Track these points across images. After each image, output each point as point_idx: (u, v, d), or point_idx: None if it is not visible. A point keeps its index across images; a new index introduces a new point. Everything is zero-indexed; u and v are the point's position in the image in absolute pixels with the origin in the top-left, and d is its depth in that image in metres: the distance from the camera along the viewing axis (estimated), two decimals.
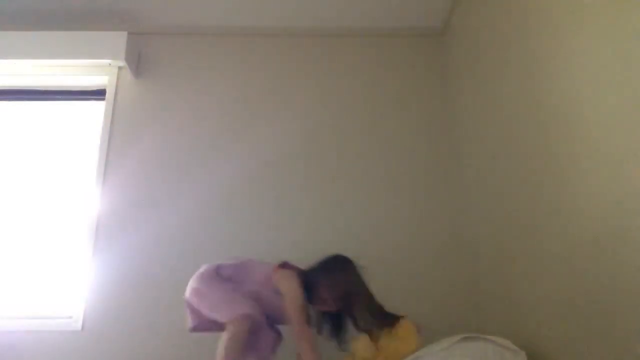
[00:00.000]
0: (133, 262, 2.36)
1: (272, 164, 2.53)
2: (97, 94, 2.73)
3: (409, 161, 2.60)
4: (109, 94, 2.67)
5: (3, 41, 2.52)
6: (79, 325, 2.25)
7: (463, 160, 2.54)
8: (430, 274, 2.39)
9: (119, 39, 2.55)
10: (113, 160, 2.54)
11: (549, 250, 1.62)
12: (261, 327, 1.81)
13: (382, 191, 2.54)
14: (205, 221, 2.40)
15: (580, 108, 1.43)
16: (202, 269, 1.87)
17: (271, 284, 1.84)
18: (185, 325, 2.26)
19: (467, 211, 2.47)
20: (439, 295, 2.35)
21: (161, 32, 2.81)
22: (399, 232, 2.46)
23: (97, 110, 2.68)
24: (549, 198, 1.61)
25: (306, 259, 2.27)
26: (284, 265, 1.89)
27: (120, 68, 2.69)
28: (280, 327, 1.94)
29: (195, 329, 1.88)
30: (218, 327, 1.75)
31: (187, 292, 1.83)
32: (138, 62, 2.73)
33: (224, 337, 1.68)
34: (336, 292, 1.81)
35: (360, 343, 1.74)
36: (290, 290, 1.79)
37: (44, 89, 2.76)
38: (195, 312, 1.85)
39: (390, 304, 2.31)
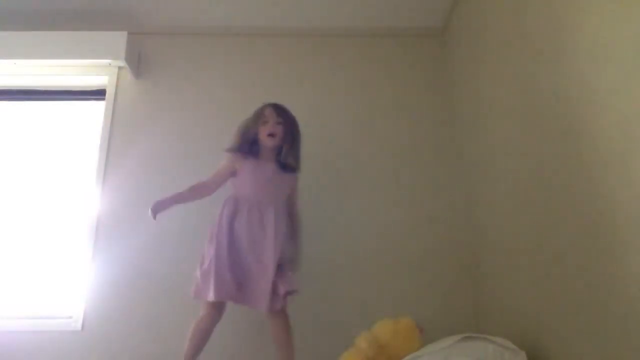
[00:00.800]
0: (133, 262, 2.36)
1: None
2: (97, 94, 2.73)
3: (408, 161, 2.60)
4: (109, 94, 2.67)
5: (3, 41, 2.52)
6: (79, 325, 2.25)
7: (463, 160, 2.54)
8: (431, 274, 2.39)
9: (119, 39, 2.55)
10: (113, 160, 2.54)
11: (549, 250, 1.62)
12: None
13: (382, 191, 2.54)
14: (205, 220, 2.39)
15: (580, 107, 1.43)
16: None
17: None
18: (184, 324, 2.28)
19: (467, 211, 2.47)
20: (439, 295, 2.35)
21: (161, 32, 2.81)
22: (399, 232, 2.46)
23: (97, 110, 2.68)
24: (549, 198, 1.62)
25: (306, 259, 2.28)
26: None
27: (120, 68, 2.69)
28: None
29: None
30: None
31: None
32: (138, 62, 2.73)
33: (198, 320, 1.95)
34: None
35: (364, 341, 1.74)
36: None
37: (44, 89, 2.75)
38: None
39: (390, 304, 2.32)
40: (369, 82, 2.75)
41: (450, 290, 2.37)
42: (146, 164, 2.54)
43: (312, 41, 2.83)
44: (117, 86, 2.69)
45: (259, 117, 2.09)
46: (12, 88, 2.75)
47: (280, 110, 2.11)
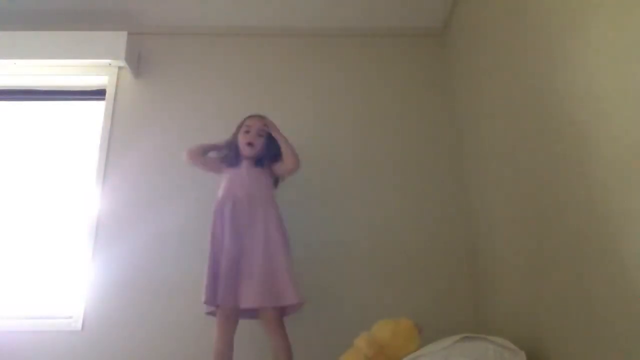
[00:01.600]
0: (133, 262, 2.36)
1: None
2: (97, 94, 2.73)
3: (408, 161, 2.60)
4: (109, 94, 2.67)
5: (3, 41, 2.52)
6: (79, 325, 2.25)
7: (463, 160, 2.54)
8: (431, 274, 2.39)
9: (119, 39, 2.55)
10: (113, 160, 2.54)
11: (549, 250, 1.62)
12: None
13: (382, 191, 2.54)
14: (205, 221, 2.39)
15: (581, 107, 1.43)
16: None
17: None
18: (184, 324, 2.28)
19: (467, 210, 2.47)
20: (439, 296, 2.35)
21: (161, 32, 2.81)
22: (399, 232, 2.46)
23: (97, 110, 2.68)
24: (550, 198, 1.62)
25: (306, 259, 2.29)
26: None
27: (120, 68, 2.69)
28: None
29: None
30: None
31: None
32: (138, 62, 2.73)
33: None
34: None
35: (363, 341, 1.73)
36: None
37: (44, 89, 2.76)
38: None
39: (390, 304, 2.32)
40: (369, 82, 2.74)
41: (450, 290, 2.37)
42: (146, 164, 2.54)
43: (312, 41, 2.83)
44: (117, 86, 2.69)
45: (241, 125, 2.18)
46: (12, 88, 2.75)
47: (264, 122, 2.17)
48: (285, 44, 2.82)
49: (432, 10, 2.71)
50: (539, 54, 1.67)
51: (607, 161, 1.29)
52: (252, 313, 1.99)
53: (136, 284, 2.32)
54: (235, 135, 2.18)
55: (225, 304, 1.88)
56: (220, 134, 2.52)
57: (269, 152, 2.14)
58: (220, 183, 2.12)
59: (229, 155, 2.15)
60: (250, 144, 2.11)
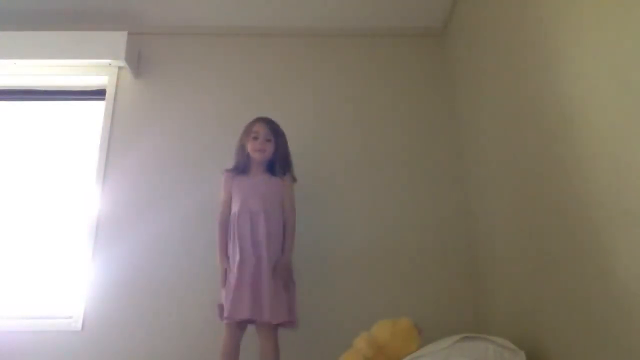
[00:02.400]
0: (133, 262, 2.36)
1: None
2: (97, 94, 2.73)
3: (408, 161, 2.60)
4: (109, 94, 2.67)
5: (3, 41, 2.52)
6: (79, 325, 2.25)
7: (463, 160, 2.54)
8: (431, 274, 2.39)
9: (119, 39, 2.55)
10: (113, 160, 2.54)
11: (549, 250, 1.62)
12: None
13: (381, 191, 2.54)
14: (205, 221, 2.40)
15: (581, 107, 1.43)
16: None
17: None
18: (184, 324, 2.28)
19: (467, 211, 2.47)
20: (439, 295, 2.35)
21: (161, 32, 2.81)
22: (399, 232, 2.46)
23: (97, 110, 2.68)
24: (550, 198, 1.62)
25: (305, 259, 2.29)
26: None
27: (120, 68, 2.69)
28: None
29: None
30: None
31: None
32: (138, 62, 2.73)
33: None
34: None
35: (362, 342, 1.73)
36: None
37: (44, 89, 2.76)
38: None
39: (390, 304, 2.32)
40: (369, 82, 2.74)
41: (450, 290, 2.37)
42: (146, 164, 2.54)
43: (312, 41, 2.83)
44: (117, 86, 2.69)
45: (249, 132, 2.14)
46: (12, 88, 2.75)
47: (270, 126, 2.14)
48: (285, 44, 2.82)
49: (432, 10, 2.71)
50: (539, 54, 1.67)
51: (608, 161, 1.29)
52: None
53: (136, 284, 2.32)
54: (243, 141, 2.15)
55: (247, 317, 1.87)
56: (220, 134, 2.53)
57: (279, 155, 2.13)
58: (228, 189, 2.10)
59: (240, 163, 2.14)
60: (260, 151, 2.10)
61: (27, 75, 2.71)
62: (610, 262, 1.28)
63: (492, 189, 2.15)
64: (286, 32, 2.83)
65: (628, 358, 1.21)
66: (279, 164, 2.13)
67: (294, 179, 2.17)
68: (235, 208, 2.04)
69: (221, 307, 1.94)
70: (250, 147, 2.11)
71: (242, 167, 2.13)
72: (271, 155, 2.13)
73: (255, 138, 2.11)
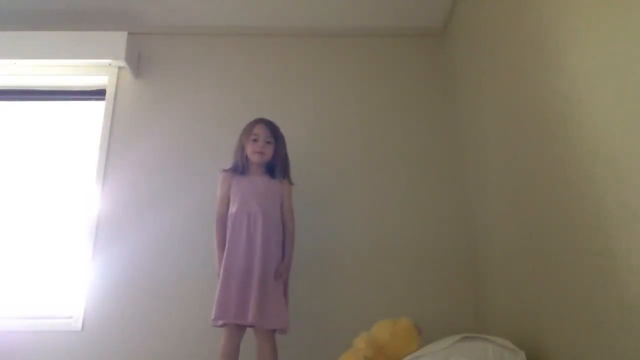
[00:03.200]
0: (133, 262, 2.36)
1: None
2: (97, 94, 2.73)
3: (409, 161, 2.60)
4: (109, 94, 2.67)
5: (3, 41, 2.52)
6: (79, 325, 2.25)
7: (463, 160, 2.54)
8: (431, 274, 2.39)
9: (119, 39, 2.55)
10: (113, 160, 2.54)
11: (549, 250, 1.62)
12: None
13: (382, 191, 2.54)
14: (205, 221, 2.40)
15: (581, 107, 1.43)
16: None
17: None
18: (184, 324, 2.28)
19: (467, 211, 2.47)
20: (439, 295, 2.35)
21: (161, 32, 2.81)
22: (399, 232, 2.46)
23: (97, 110, 2.68)
24: (550, 197, 1.61)
25: (305, 259, 2.29)
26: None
27: (120, 68, 2.69)
28: None
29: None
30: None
31: None
32: (138, 62, 2.73)
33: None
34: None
35: (362, 341, 1.73)
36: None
37: (44, 89, 2.76)
38: None
39: (390, 304, 2.32)
40: (369, 82, 2.74)
41: (450, 290, 2.37)
42: (146, 164, 2.54)
43: (313, 41, 2.83)
44: (117, 86, 2.69)
45: (249, 133, 2.12)
46: (12, 88, 2.75)
47: (271, 129, 2.13)
48: (285, 44, 2.82)
49: (432, 10, 2.71)
50: (539, 54, 1.67)
51: (608, 161, 1.29)
52: None
53: (136, 284, 2.32)
54: (241, 141, 2.14)
55: (236, 321, 1.87)
56: (220, 134, 2.53)
57: (278, 158, 2.13)
58: (226, 187, 2.09)
59: (238, 163, 2.12)
60: (260, 153, 2.09)
61: (27, 75, 2.71)
62: (611, 261, 1.28)
63: (492, 189, 2.15)
64: (286, 32, 2.83)
65: (628, 358, 1.21)
66: (279, 166, 2.13)
67: (291, 183, 2.17)
68: (233, 208, 2.03)
69: None
70: (249, 149, 2.10)
71: (240, 168, 2.12)
72: (270, 157, 2.12)
73: (255, 140, 2.10)
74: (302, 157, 2.42)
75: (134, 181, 2.51)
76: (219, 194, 2.10)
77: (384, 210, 2.50)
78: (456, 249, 2.44)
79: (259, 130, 2.11)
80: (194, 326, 2.25)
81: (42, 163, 2.62)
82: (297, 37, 2.83)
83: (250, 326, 1.91)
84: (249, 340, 1.96)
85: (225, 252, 1.95)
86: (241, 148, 2.13)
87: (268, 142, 2.11)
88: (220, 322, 1.89)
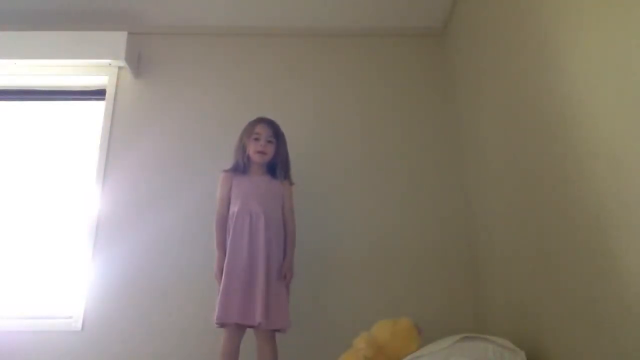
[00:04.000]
0: (133, 262, 2.36)
1: None
2: (97, 94, 2.73)
3: (408, 161, 2.60)
4: (109, 94, 2.67)
5: (3, 41, 2.52)
6: (79, 325, 2.25)
7: (463, 161, 2.54)
8: (431, 274, 2.39)
9: (119, 39, 2.55)
10: (113, 160, 2.54)
11: (549, 250, 1.62)
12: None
13: (382, 191, 2.54)
14: (205, 221, 2.40)
15: (581, 107, 1.43)
16: None
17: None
18: (184, 324, 2.28)
19: (467, 211, 2.47)
20: (439, 295, 2.35)
21: (161, 32, 2.81)
22: (399, 232, 2.46)
23: (97, 110, 2.68)
24: (550, 197, 1.61)
25: (306, 259, 2.28)
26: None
27: (120, 68, 2.69)
28: None
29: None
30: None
31: None
32: (138, 62, 2.73)
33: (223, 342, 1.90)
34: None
35: (362, 341, 1.73)
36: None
37: (44, 89, 2.76)
38: None
39: (390, 304, 2.32)
40: (368, 82, 2.74)
41: (450, 290, 2.37)
42: (146, 164, 2.54)
43: (312, 41, 2.83)
44: (117, 86, 2.69)
45: (250, 132, 2.11)
46: (12, 88, 2.75)
47: (272, 128, 2.12)
48: (285, 44, 2.82)
49: (432, 10, 2.71)
50: (539, 54, 1.67)
51: (608, 161, 1.29)
52: None
53: (136, 284, 2.32)
54: (242, 140, 2.13)
55: (241, 321, 1.86)
56: (220, 134, 2.53)
57: (280, 157, 2.13)
58: (227, 187, 2.08)
59: (239, 162, 2.11)
60: (262, 153, 2.08)
61: (27, 75, 2.71)
62: (611, 262, 1.28)
63: (492, 189, 2.15)
64: (286, 32, 2.83)
65: (628, 358, 1.21)
66: (280, 166, 2.12)
67: (291, 183, 2.17)
68: (235, 208, 2.02)
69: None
70: (251, 148, 2.09)
71: (241, 167, 2.11)
72: (272, 157, 2.12)
73: (257, 139, 2.09)
74: (302, 157, 2.42)
75: (134, 181, 2.51)
76: (219, 194, 2.09)
77: (384, 210, 2.50)
78: (456, 249, 2.44)
79: (261, 130, 2.11)
80: (194, 326, 2.25)
81: (42, 163, 2.62)
82: (297, 37, 2.83)
83: (251, 327, 1.90)
84: (249, 341, 1.96)
85: (227, 252, 1.94)
86: (242, 147, 2.12)
87: (269, 142, 2.10)
88: (222, 323, 1.88)
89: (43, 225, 2.50)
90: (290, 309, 1.98)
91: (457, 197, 2.53)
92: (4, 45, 2.52)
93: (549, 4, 1.59)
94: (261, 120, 2.15)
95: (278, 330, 1.94)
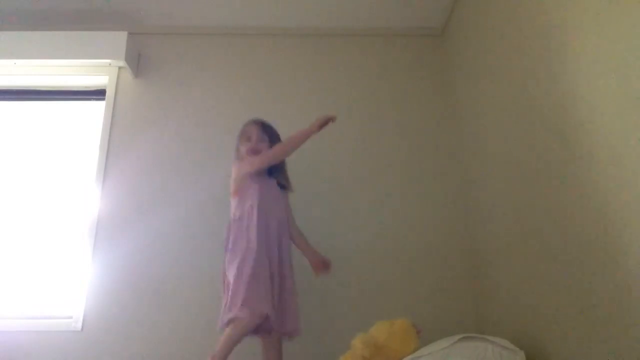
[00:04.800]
0: (133, 262, 2.36)
1: None
2: (97, 94, 2.73)
3: (408, 162, 2.60)
4: (109, 94, 2.67)
5: (3, 41, 2.52)
6: (79, 325, 2.25)
7: (463, 161, 2.54)
8: (431, 274, 2.39)
9: (119, 39, 2.55)
10: (113, 160, 2.54)
11: (549, 250, 1.62)
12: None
13: (381, 191, 2.54)
14: (205, 221, 2.40)
15: (581, 106, 1.43)
16: None
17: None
18: (184, 324, 2.28)
19: (467, 211, 2.47)
20: (439, 295, 2.35)
21: (161, 32, 2.81)
22: (399, 232, 2.46)
23: (97, 110, 2.68)
24: (549, 197, 1.61)
25: (306, 259, 2.28)
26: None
27: (120, 68, 2.69)
28: None
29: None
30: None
31: None
32: (138, 62, 2.73)
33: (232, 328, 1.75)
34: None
35: (359, 341, 1.73)
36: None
37: (44, 89, 2.76)
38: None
39: (390, 304, 2.32)
40: (368, 82, 2.74)
41: (450, 290, 2.37)
42: (146, 164, 2.54)
43: (312, 41, 2.83)
44: (117, 86, 2.69)
45: (242, 134, 2.12)
46: (12, 88, 2.75)
47: (262, 127, 2.12)
48: (285, 44, 2.82)
49: (432, 10, 2.71)
50: (539, 54, 1.67)
51: (608, 160, 1.29)
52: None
53: (136, 284, 2.32)
54: (239, 144, 2.12)
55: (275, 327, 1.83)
56: (219, 134, 2.53)
57: (284, 173, 2.13)
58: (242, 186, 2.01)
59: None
60: (254, 152, 2.05)
61: (27, 75, 2.71)
62: (611, 261, 1.28)
63: (492, 189, 2.15)
64: (286, 32, 2.83)
65: (628, 358, 1.21)
66: (281, 173, 2.11)
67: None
68: (258, 202, 1.94)
69: None
70: (244, 149, 2.08)
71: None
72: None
73: (249, 140, 2.08)
74: (302, 157, 2.42)
75: (134, 181, 2.51)
76: (252, 168, 2.00)
77: (383, 210, 2.50)
78: (456, 249, 2.44)
79: (251, 129, 2.10)
80: (194, 326, 2.25)
81: (42, 163, 2.62)
82: (297, 37, 2.83)
83: (266, 329, 1.85)
84: (248, 341, 1.96)
85: (256, 251, 1.84)
86: (237, 151, 2.12)
87: (261, 140, 2.09)
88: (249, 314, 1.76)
89: (43, 225, 2.50)
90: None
91: (457, 197, 2.53)
92: (4, 45, 2.52)
93: (549, 4, 1.59)
94: (251, 122, 2.14)
95: (287, 336, 1.93)
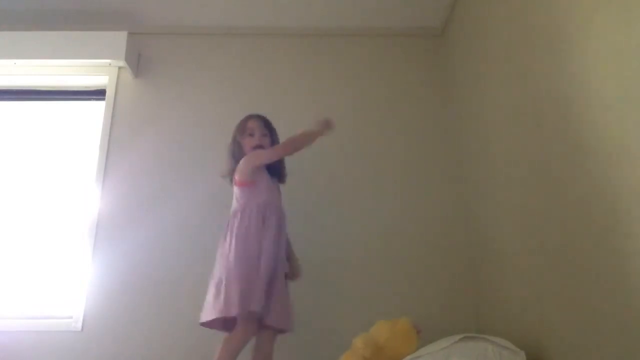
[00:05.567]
0: (133, 262, 2.36)
1: None
2: (97, 94, 2.73)
3: (408, 161, 2.60)
4: (109, 94, 2.67)
5: (3, 41, 2.52)
6: (79, 326, 2.25)
7: (463, 160, 2.54)
8: (431, 274, 2.39)
9: (119, 39, 2.55)
10: (113, 160, 2.54)
11: (549, 250, 1.62)
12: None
13: (382, 191, 2.54)
14: (205, 221, 2.40)
15: (583, 106, 1.43)
16: None
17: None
18: (184, 324, 2.28)
19: (467, 211, 2.47)
20: (439, 295, 2.35)
21: (161, 32, 2.81)
22: (399, 232, 2.46)
23: (97, 110, 2.68)
24: (549, 197, 1.61)
25: (306, 260, 2.28)
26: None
27: (120, 68, 2.69)
28: None
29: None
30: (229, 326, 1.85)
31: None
32: (138, 62, 2.73)
33: (234, 336, 1.80)
34: None
35: (360, 341, 1.73)
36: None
37: (44, 89, 2.76)
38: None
39: (390, 304, 2.32)
40: (368, 82, 2.74)
41: (450, 290, 2.37)
42: (146, 164, 2.54)
43: (312, 41, 2.83)
44: (117, 86, 2.69)
45: (243, 129, 2.09)
46: (12, 88, 2.75)
47: (264, 121, 2.11)
48: (285, 44, 2.82)
49: (432, 10, 2.71)
50: (539, 54, 1.67)
51: (608, 161, 1.29)
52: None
53: (136, 284, 2.32)
54: (236, 140, 2.09)
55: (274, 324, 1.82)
56: (219, 134, 2.52)
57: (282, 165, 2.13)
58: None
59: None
60: (259, 147, 2.04)
61: (27, 75, 2.71)
62: (612, 261, 1.28)
63: (492, 189, 2.15)
64: (286, 32, 2.83)
65: (628, 358, 1.21)
66: (279, 168, 2.10)
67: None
68: (262, 196, 1.95)
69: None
70: (247, 144, 2.05)
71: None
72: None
73: (252, 135, 2.06)
74: (302, 157, 2.42)
75: (133, 181, 2.51)
76: (263, 161, 2.00)
77: (383, 210, 2.50)
78: (456, 249, 2.44)
79: (253, 125, 2.08)
80: (194, 326, 2.23)
81: (42, 163, 2.62)
82: (297, 37, 2.83)
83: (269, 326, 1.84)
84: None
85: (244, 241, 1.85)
86: (238, 146, 2.08)
87: (264, 135, 2.08)
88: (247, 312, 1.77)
89: (43, 225, 2.50)
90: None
91: (457, 196, 2.53)
92: (4, 45, 2.52)
93: (549, 4, 1.59)
94: (251, 116, 2.13)
95: (282, 331, 1.92)
